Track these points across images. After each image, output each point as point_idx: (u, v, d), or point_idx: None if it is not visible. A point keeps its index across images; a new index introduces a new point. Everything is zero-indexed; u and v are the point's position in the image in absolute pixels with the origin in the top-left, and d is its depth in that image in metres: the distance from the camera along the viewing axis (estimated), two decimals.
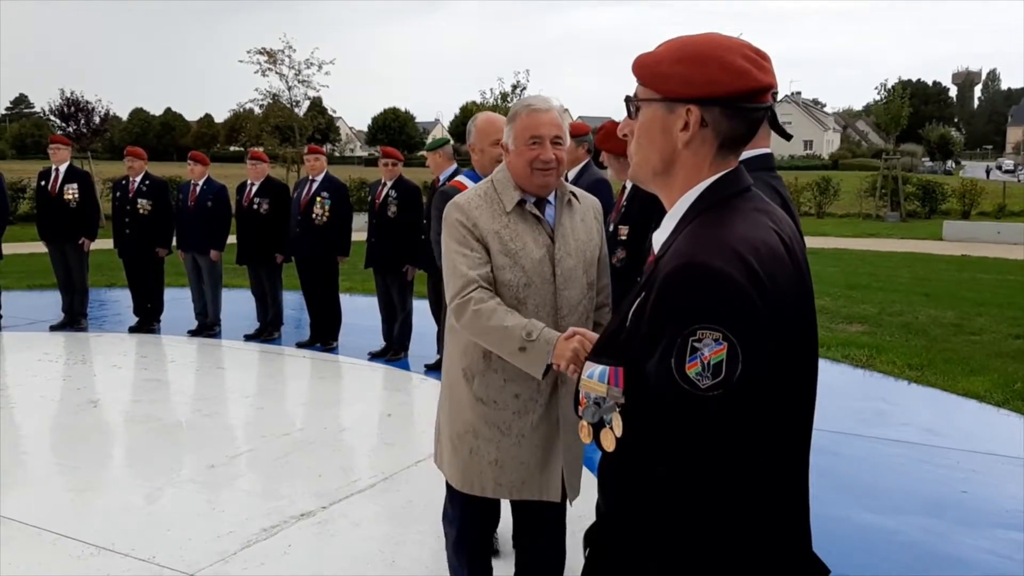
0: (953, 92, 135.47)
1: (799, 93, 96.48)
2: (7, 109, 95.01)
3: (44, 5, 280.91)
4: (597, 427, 1.48)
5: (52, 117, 25.06)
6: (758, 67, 1.46)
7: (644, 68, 1.52)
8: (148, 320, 8.96)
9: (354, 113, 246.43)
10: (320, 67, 25.35)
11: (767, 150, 2.26)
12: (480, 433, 2.66)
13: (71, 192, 8.71)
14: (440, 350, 6.39)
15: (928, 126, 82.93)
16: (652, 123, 1.52)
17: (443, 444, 2.82)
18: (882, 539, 4.07)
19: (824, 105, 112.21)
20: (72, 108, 23.92)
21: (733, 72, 1.44)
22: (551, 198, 2.70)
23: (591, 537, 1.61)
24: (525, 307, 2.56)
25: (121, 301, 9.92)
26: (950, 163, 76.05)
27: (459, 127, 57.28)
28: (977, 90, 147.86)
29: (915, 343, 8.18)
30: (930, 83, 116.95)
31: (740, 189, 1.50)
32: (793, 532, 1.49)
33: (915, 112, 33.73)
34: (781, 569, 1.45)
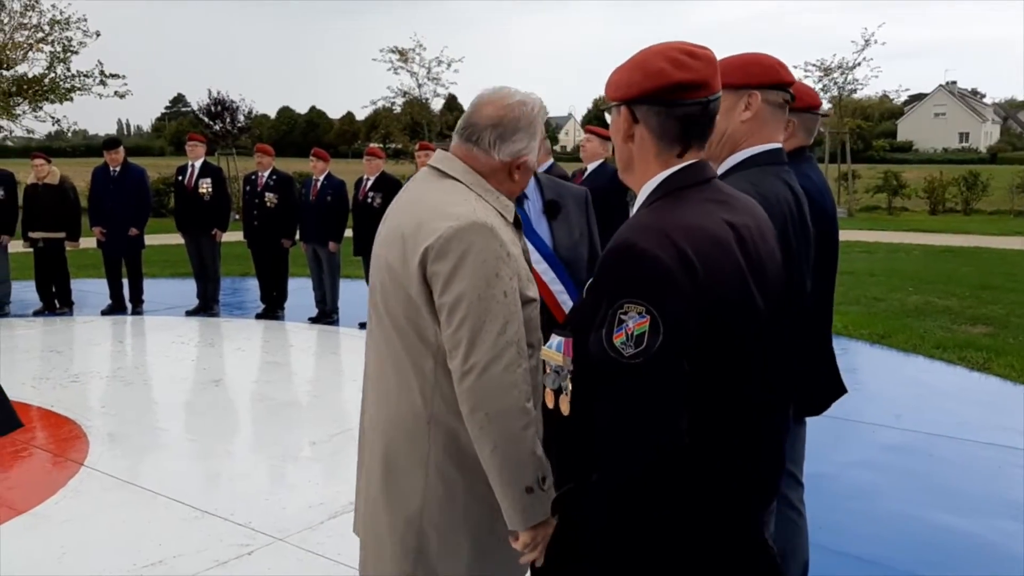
0: None
1: (954, 83, 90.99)
2: (166, 108, 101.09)
3: (206, 6, 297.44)
4: (557, 393, 1.66)
5: (202, 116, 26.54)
6: (677, 65, 1.62)
7: (608, 80, 1.73)
8: (273, 307, 9.54)
9: None
10: (449, 65, 25.89)
11: (777, 144, 2.32)
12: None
13: (205, 186, 9.39)
14: None
15: None
16: (612, 125, 1.74)
17: (453, 549, 2.00)
18: (954, 540, 4.00)
19: (983, 95, 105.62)
20: (219, 107, 25.34)
21: (648, 73, 1.63)
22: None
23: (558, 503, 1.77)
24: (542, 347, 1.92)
25: (252, 289, 10.57)
26: None
27: (590, 121, 57.31)
28: None
29: None
30: None
31: (697, 181, 1.66)
32: (728, 492, 1.62)
33: None
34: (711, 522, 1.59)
